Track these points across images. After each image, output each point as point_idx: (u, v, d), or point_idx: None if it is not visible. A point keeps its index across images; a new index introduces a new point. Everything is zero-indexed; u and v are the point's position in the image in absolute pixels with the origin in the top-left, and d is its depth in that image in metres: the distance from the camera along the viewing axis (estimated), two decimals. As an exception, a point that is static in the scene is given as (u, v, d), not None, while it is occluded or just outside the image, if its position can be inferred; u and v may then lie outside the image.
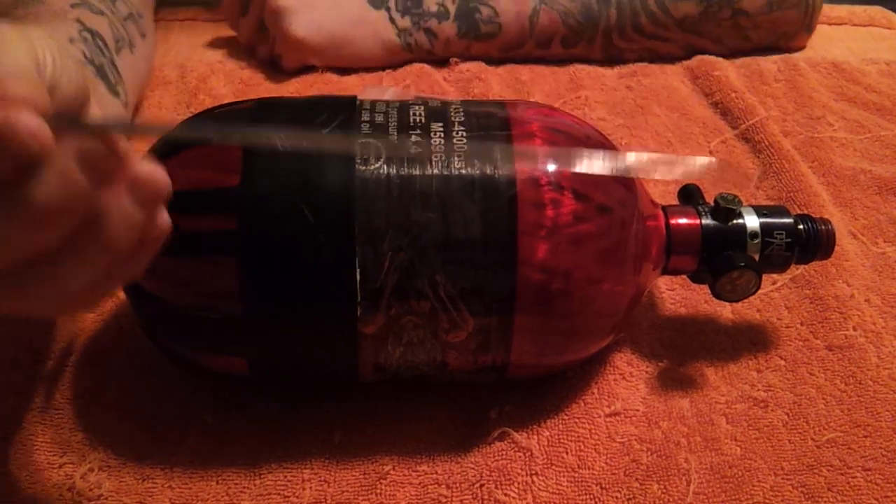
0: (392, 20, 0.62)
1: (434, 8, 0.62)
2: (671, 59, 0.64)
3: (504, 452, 0.35)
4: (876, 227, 0.48)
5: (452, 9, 0.62)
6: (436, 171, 0.31)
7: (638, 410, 0.37)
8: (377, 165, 0.31)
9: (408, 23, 0.62)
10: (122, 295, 0.41)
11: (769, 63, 0.64)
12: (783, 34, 0.66)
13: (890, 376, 0.38)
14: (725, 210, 0.37)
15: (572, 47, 0.63)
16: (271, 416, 0.36)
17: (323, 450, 0.35)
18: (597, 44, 0.63)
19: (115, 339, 0.40)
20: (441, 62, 0.63)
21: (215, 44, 0.68)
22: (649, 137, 0.56)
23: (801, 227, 0.37)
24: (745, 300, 0.38)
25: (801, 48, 0.68)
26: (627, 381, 0.38)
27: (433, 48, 0.63)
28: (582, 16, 0.62)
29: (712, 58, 0.63)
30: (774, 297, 0.43)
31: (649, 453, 0.35)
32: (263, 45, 0.64)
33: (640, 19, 0.62)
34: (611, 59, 0.64)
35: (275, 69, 0.63)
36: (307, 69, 0.63)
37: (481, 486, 0.34)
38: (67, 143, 0.22)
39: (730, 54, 0.65)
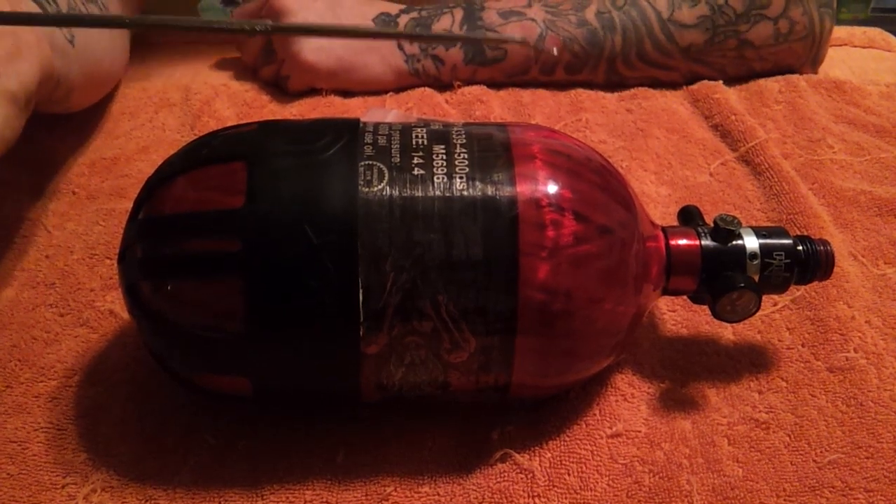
0: (400, 47, 0.63)
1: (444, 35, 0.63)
2: (672, 85, 0.65)
3: (506, 474, 0.35)
4: (876, 248, 0.48)
5: (460, 35, 0.63)
6: (438, 192, 0.32)
7: (640, 432, 0.37)
8: (380, 187, 0.32)
9: (416, 49, 0.63)
10: (126, 315, 0.41)
11: (770, 83, 0.64)
12: (788, 67, 0.66)
13: (891, 398, 0.38)
14: (725, 231, 0.37)
15: (576, 73, 0.64)
16: (274, 436, 0.36)
17: (325, 470, 0.35)
18: (600, 70, 0.64)
19: (119, 358, 0.40)
20: (445, 86, 0.64)
21: (219, 66, 0.68)
22: (649, 160, 0.56)
23: (800, 248, 0.37)
24: (746, 321, 0.38)
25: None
26: (629, 402, 0.38)
27: (440, 74, 0.64)
28: (587, 42, 0.62)
29: (712, 81, 0.64)
30: (775, 319, 0.43)
31: (651, 475, 0.35)
32: (269, 65, 0.64)
33: (644, 46, 0.62)
34: (612, 85, 0.64)
35: (278, 91, 0.64)
36: (311, 91, 0.63)
37: (483, 507, 0.34)
38: None
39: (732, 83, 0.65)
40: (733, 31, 0.63)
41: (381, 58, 0.63)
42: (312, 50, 0.61)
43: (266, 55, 0.65)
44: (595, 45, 0.62)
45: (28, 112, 0.40)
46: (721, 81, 0.63)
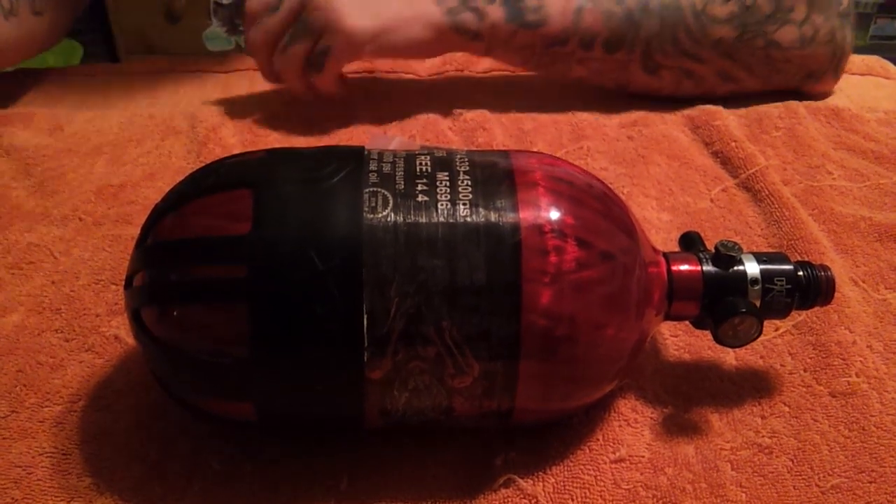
0: (439, 2, 0.62)
1: None
2: (701, 81, 0.66)
3: (510, 499, 0.35)
4: (877, 273, 0.49)
5: None
6: (441, 218, 0.32)
7: (643, 457, 0.37)
8: (384, 213, 0.32)
9: (454, 2, 0.62)
10: (131, 340, 0.42)
11: (770, 109, 0.65)
12: (812, 73, 0.68)
13: (893, 422, 0.39)
14: (726, 257, 0.37)
15: (614, 52, 0.64)
16: (278, 462, 0.37)
17: (329, 497, 0.35)
18: (636, 53, 0.64)
19: (124, 384, 0.40)
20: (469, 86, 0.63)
21: (225, 95, 0.69)
22: (650, 186, 0.56)
23: (800, 273, 0.38)
24: (748, 346, 0.39)
25: (827, 94, 0.70)
26: (632, 427, 0.39)
27: (480, 31, 0.62)
28: (625, 20, 0.63)
29: (713, 107, 0.64)
30: (777, 344, 0.43)
31: (655, 500, 0.35)
32: (302, 43, 0.60)
33: (678, 34, 0.63)
34: (650, 72, 0.65)
35: (283, 119, 0.64)
36: (316, 126, 0.63)
37: (487, 532, 0.34)
38: None
39: (760, 89, 0.67)
40: (761, 31, 0.64)
41: (421, 13, 0.61)
42: (354, 15, 0.59)
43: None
44: (632, 25, 0.63)
45: None
46: (722, 107, 0.64)
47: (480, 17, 0.62)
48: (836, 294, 0.39)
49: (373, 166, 0.34)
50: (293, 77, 0.62)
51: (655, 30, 0.63)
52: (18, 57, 0.67)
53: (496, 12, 0.62)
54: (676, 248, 0.41)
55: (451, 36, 0.62)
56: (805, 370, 0.42)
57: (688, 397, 0.40)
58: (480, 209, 0.33)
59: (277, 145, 0.60)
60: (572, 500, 0.35)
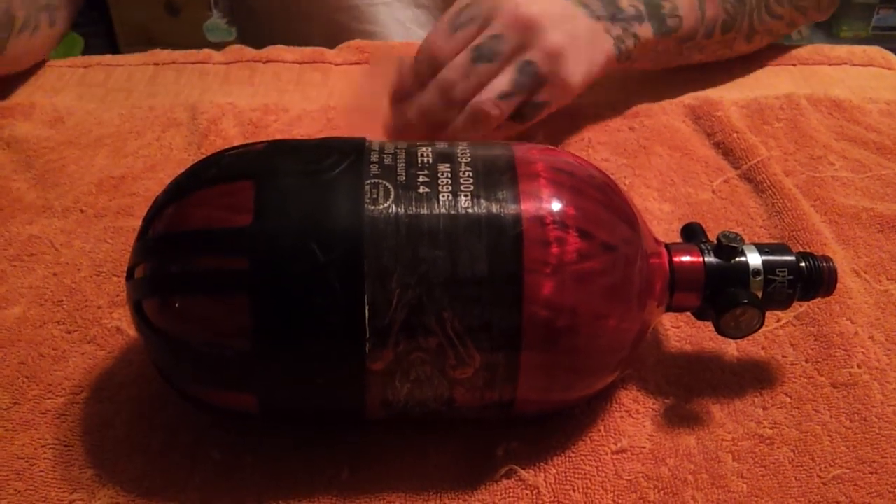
0: (608, 31, 0.59)
1: (632, 10, 0.61)
2: (774, 38, 0.71)
3: (511, 490, 0.35)
4: (879, 265, 0.49)
5: (643, 9, 0.61)
6: (443, 210, 0.32)
7: (644, 447, 0.37)
8: (386, 205, 0.32)
9: (619, 30, 0.60)
10: (133, 332, 0.42)
11: (771, 100, 0.65)
12: None
13: (895, 413, 0.39)
14: (728, 248, 0.37)
15: (727, 32, 0.67)
16: (279, 453, 0.37)
17: (330, 487, 0.35)
18: (743, 28, 0.67)
19: (126, 375, 0.40)
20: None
21: (226, 86, 0.69)
22: (652, 176, 0.56)
23: (802, 264, 0.38)
24: (750, 337, 0.39)
25: None
26: (634, 418, 0.39)
27: (633, 52, 0.60)
28: (734, 1, 0.66)
29: (714, 98, 0.64)
30: (779, 335, 0.43)
31: (656, 490, 0.35)
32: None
33: (770, 2, 0.68)
34: (749, 41, 0.69)
35: (283, 110, 0.64)
36: (317, 119, 0.64)
37: (488, 523, 0.34)
38: None
39: (805, 24, 0.73)
40: None
41: (600, 53, 0.58)
42: (575, 73, 0.55)
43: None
44: (740, 2, 0.66)
45: None
46: (723, 98, 0.64)
47: (637, 39, 0.60)
48: (838, 285, 0.39)
49: (374, 158, 0.34)
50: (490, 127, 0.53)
51: (755, 2, 0.66)
52: (32, 63, 0.71)
53: (646, 31, 0.61)
54: (678, 239, 0.41)
55: (613, 65, 0.59)
56: (807, 361, 0.42)
57: (689, 388, 0.40)
58: (482, 200, 0.33)
59: (279, 137, 0.60)
60: (574, 490, 0.35)
